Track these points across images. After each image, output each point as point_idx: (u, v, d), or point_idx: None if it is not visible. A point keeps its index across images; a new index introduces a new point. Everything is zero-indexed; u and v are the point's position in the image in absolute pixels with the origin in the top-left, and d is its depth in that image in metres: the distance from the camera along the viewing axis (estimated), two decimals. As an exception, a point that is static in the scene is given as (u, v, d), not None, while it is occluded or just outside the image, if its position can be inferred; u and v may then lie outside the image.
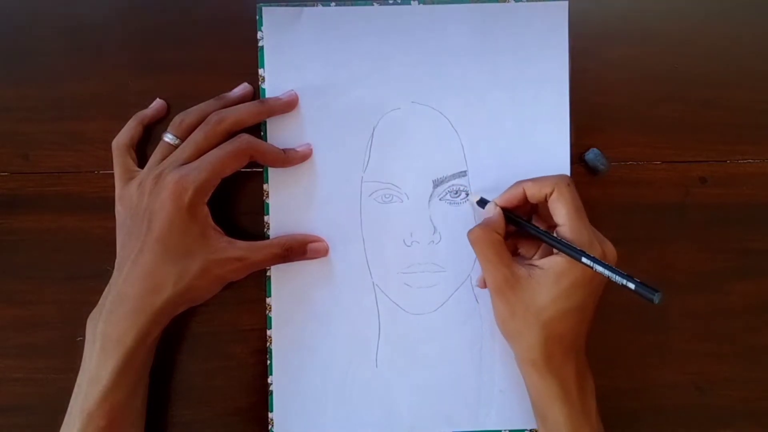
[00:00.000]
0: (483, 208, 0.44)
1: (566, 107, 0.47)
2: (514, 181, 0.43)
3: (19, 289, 0.47)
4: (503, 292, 0.42)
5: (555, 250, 0.41)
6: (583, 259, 0.39)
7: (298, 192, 0.47)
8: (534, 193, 0.42)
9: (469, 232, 0.42)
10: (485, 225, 0.42)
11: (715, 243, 0.49)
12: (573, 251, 0.39)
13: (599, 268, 0.38)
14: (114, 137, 0.46)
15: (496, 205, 0.43)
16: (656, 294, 0.36)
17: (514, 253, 0.45)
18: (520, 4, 0.47)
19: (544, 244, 0.43)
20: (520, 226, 0.43)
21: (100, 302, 0.43)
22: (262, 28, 0.47)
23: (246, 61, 0.47)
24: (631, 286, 0.37)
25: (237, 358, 0.47)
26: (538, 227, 0.42)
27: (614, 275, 0.38)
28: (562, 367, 0.41)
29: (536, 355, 0.41)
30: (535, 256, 0.43)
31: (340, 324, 0.47)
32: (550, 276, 0.40)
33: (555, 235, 0.41)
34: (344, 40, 0.47)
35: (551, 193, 0.41)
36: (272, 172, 0.47)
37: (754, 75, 0.49)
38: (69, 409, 0.42)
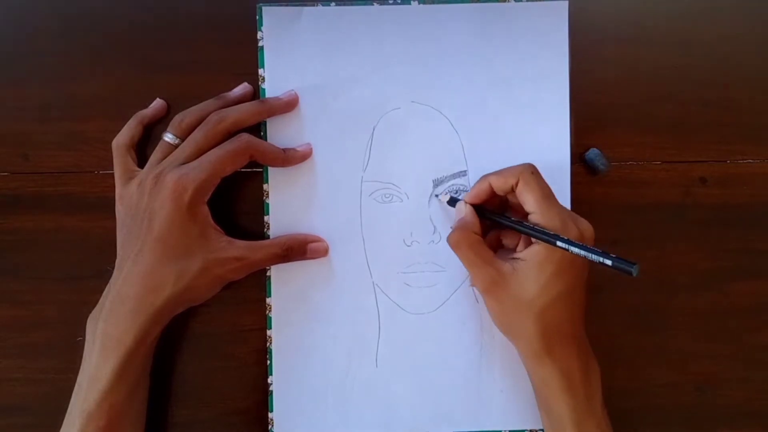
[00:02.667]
0: (453, 206, 0.44)
1: (566, 107, 0.47)
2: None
3: (19, 289, 0.47)
4: (492, 291, 0.42)
5: (534, 240, 0.41)
6: (558, 243, 0.39)
7: (298, 192, 0.47)
8: (500, 186, 0.42)
9: (448, 237, 0.42)
10: (461, 227, 0.42)
11: (715, 243, 0.49)
12: (547, 236, 0.39)
13: (575, 250, 0.38)
14: (114, 137, 0.46)
15: (466, 203, 0.43)
16: (633, 266, 0.36)
17: (498, 245, 0.45)
18: (520, 4, 0.47)
19: None
20: (493, 220, 0.43)
21: (100, 302, 0.43)
22: (262, 28, 0.47)
23: (246, 61, 0.47)
24: (608, 262, 0.37)
25: (237, 358, 0.47)
26: (509, 218, 0.42)
27: (590, 254, 0.38)
28: (563, 356, 0.41)
29: (537, 347, 0.41)
30: (518, 247, 0.43)
31: (340, 324, 0.47)
32: (533, 266, 0.40)
33: (528, 223, 0.41)
34: (344, 40, 0.47)
35: (517, 183, 0.41)
36: (272, 172, 0.47)
37: (754, 75, 0.49)
38: (69, 409, 0.42)
